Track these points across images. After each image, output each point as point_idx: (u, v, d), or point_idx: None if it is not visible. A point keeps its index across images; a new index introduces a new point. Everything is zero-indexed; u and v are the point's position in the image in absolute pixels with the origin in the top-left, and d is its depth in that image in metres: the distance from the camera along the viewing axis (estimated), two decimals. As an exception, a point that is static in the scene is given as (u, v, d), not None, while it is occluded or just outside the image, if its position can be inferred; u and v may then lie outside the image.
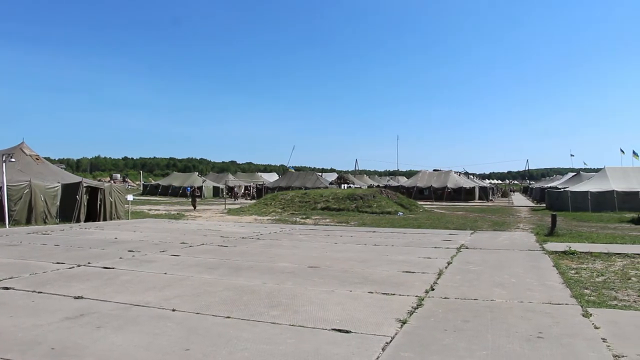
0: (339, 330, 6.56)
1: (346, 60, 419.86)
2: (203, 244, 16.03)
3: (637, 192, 38.00)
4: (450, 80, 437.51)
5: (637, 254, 14.20)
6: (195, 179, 77.09)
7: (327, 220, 28.11)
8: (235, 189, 75.15)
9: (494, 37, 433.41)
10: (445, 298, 8.70)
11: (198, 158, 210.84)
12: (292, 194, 39.72)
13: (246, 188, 77.03)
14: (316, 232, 20.61)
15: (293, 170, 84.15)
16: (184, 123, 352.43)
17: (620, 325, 7.05)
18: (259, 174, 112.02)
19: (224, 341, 6.09)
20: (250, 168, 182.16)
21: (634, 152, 60.80)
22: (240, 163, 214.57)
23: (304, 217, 30.06)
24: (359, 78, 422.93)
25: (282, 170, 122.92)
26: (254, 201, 44.27)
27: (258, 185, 75.55)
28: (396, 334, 6.49)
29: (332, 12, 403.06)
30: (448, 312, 7.67)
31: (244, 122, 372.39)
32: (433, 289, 9.38)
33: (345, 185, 74.01)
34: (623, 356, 5.71)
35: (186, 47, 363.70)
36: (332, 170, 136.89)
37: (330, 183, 74.35)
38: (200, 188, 65.85)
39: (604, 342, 6.23)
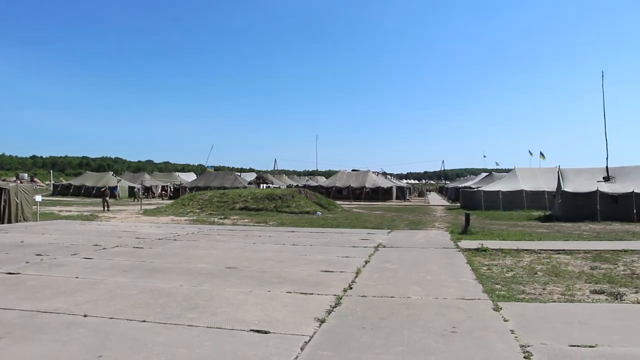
0: (258, 331, 6.53)
1: (266, 58, 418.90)
2: (117, 246, 15.50)
3: (544, 191, 39.92)
4: (369, 80, 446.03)
5: (543, 250, 14.99)
6: (109, 179, 74.27)
7: (246, 220, 27.90)
8: (152, 189, 73.26)
9: (414, 38, 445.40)
10: (363, 296, 8.83)
11: (113, 157, 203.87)
12: (210, 194, 39.12)
13: (163, 188, 75.18)
14: (234, 233, 20.41)
15: (212, 170, 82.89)
16: (98, 121, 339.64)
17: (527, 318, 7.43)
18: (177, 173, 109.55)
19: (140, 346, 5.92)
20: (167, 168, 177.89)
21: (541, 154, 64.35)
22: (157, 162, 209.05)
23: (223, 217, 29.69)
24: (278, 77, 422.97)
25: (200, 170, 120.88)
26: (171, 201, 43.26)
27: (175, 185, 73.87)
28: (315, 333, 6.53)
29: (252, 10, 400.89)
30: (366, 310, 7.80)
31: (161, 121, 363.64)
32: (351, 288, 9.51)
33: (264, 185, 73.69)
34: (529, 346, 6.03)
35: (100, 44, 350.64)
36: (251, 170, 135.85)
37: (249, 183, 73.79)
38: (114, 188, 63.62)
39: (512, 333, 6.56)
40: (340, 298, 8.60)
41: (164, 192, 72.57)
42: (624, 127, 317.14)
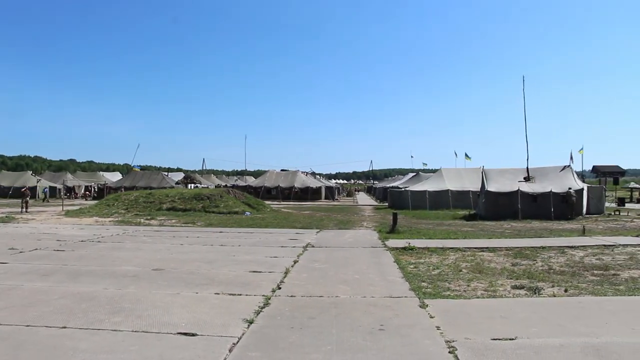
0: (185, 334, 6.43)
1: (195, 58, 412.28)
2: (36, 249, 14.83)
3: (469, 191, 41.10)
4: (298, 81, 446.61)
5: (468, 248, 15.50)
6: (28, 178, 70.99)
7: (173, 221, 27.34)
8: (74, 189, 70.58)
9: (347, 42, 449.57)
10: (291, 296, 8.85)
11: (31, 155, 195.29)
12: (136, 194, 38.05)
13: (87, 188, 72.52)
14: (161, 234, 19.99)
15: (138, 170, 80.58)
16: (15, 117, 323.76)
17: (452, 314, 7.67)
18: (101, 173, 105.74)
19: (59, 354, 5.70)
20: (91, 167, 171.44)
21: (466, 155, 66.60)
22: (81, 162, 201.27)
23: (149, 218, 28.98)
24: (207, 77, 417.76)
25: (126, 169, 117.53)
26: (95, 202, 41.80)
27: (100, 185, 71.40)
28: (243, 334, 6.49)
29: (184, 9, 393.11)
30: (294, 310, 7.82)
31: (85, 119, 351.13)
32: (280, 288, 9.51)
33: (192, 185, 72.53)
34: (454, 341, 6.22)
35: (19, 40, 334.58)
36: (178, 170, 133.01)
37: (177, 183, 72.29)
38: (34, 188, 60.84)
39: (438, 329, 6.75)
40: (269, 298, 8.59)
41: (87, 193, 70.03)
42: (544, 129, 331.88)
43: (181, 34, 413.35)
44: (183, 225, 24.96)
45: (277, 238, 18.59)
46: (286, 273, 11.13)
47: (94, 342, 6.09)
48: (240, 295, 8.88)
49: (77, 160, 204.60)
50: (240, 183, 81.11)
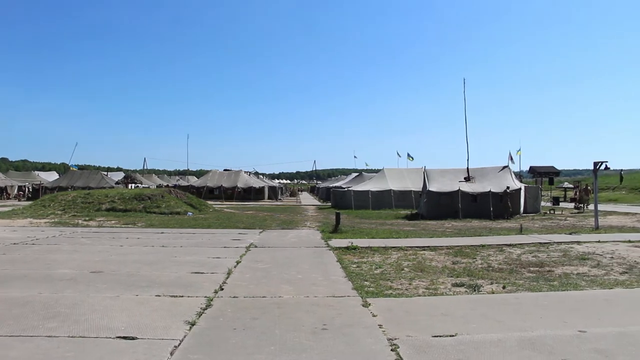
0: (125, 338, 6.27)
1: (134, 53, 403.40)
2: (-35, 253, 14.18)
3: (411, 191, 41.77)
4: (240, 80, 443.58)
5: (410, 247, 15.75)
6: (-46, 178, 67.95)
7: (113, 221, 26.66)
8: (6, 189, 67.90)
9: (284, 38, 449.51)
10: (234, 297, 8.78)
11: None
12: (74, 195, 36.88)
13: (20, 188, 69.88)
14: (100, 235, 19.45)
15: (76, 169, 78.15)
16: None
17: (394, 312, 7.78)
18: (36, 172, 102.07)
19: (-10, 361, 5.46)
20: (25, 166, 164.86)
21: (408, 155, 67.44)
22: (13, 160, 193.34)
23: (87, 219, 28.16)
24: (146, 75, 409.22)
25: (63, 169, 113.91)
26: (29, 203, 40.30)
27: (35, 185, 68.92)
28: (185, 336, 6.39)
29: (114, 5, 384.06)
30: (237, 311, 7.76)
31: (18, 115, 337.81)
32: (222, 289, 9.42)
33: (133, 185, 70.96)
34: (396, 339, 6.32)
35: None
36: (118, 170, 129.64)
37: (117, 183, 70.54)
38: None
39: (380, 328, 6.84)
40: (212, 300, 8.49)
41: (20, 193, 67.53)
42: (484, 130, 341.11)
43: (118, 30, 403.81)
44: (123, 226, 24.36)
45: (219, 238, 18.39)
46: (229, 274, 11.03)
47: (26, 350, 5.85)
48: (182, 297, 8.74)
49: (10, 159, 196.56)
50: (183, 183, 79.99)
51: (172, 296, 8.78)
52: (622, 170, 49.22)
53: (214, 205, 43.94)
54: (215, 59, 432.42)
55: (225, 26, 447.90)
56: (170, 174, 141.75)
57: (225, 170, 74.40)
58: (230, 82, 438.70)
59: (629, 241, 17.05)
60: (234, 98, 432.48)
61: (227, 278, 10.53)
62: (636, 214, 32.37)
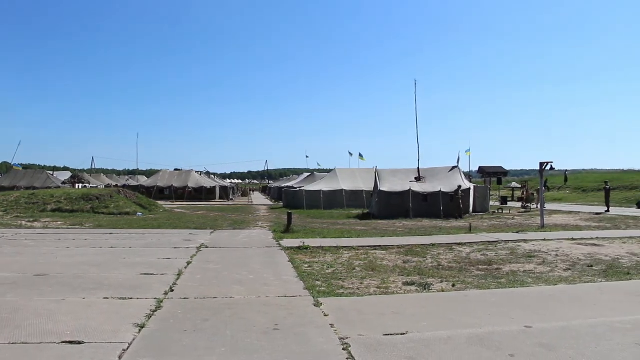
0: (71, 342, 6.10)
1: (85, 52, 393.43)
2: None
3: (363, 190, 41.98)
4: (190, 80, 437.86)
5: (361, 247, 15.86)
6: None
7: (59, 222, 25.88)
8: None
9: (242, 39, 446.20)
10: (185, 298, 8.66)
11: None
12: (17, 195, 35.69)
13: (-42, 189, 67.34)
14: (45, 237, 18.86)
15: (19, 168, 75.76)
16: None
17: (346, 311, 7.82)
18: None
19: None
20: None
21: (360, 155, 67.87)
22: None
23: (32, 220, 27.26)
24: (98, 72, 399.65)
25: (5, 168, 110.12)
26: (-32, 204, 38.83)
27: (-26, 186, 66.60)
28: (134, 339, 6.27)
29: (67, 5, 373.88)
30: (188, 312, 7.65)
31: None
32: (173, 290, 9.28)
33: (80, 184, 69.21)
34: (347, 338, 6.36)
35: None
36: (65, 169, 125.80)
37: (63, 182, 68.72)
38: None
39: (332, 327, 6.87)
40: (162, 301, 8.35)
41: (-41, 193, 64.94)
42: (435, 131, 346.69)
43: (68, 27, 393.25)
44: (70, 227, 23.69)
45: (170, 239, 18.10)
46: (179, 275, 10.87)
47: (-34, 356, 5.63)
48: (131, 299, 8.57)
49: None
50: (132, 183, 78.32)
51: (120, 298, 8.59)
52: (566, 170, 50.83)
53: (165, 206, 43.25)
54: (170, 60, 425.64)
55: (170, 25, 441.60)
56: (119, 173, 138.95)
57: (176, 169, 73.41)
58: (181, 82, 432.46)
59: (572, 239, 17.65)
60: (185, 98, 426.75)
61: (177, 279, 10.38)
62: (579, 212, 33.53)
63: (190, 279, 10.45)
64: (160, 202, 45.01)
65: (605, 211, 32.81)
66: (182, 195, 62.39)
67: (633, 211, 33.89)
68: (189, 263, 12.52)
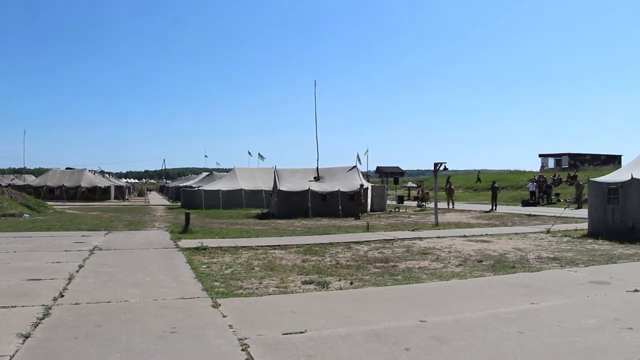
0: (-57, 358, 5.61)
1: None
2: None
3: (262, 190, 41.94)
4: (84, 76, 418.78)
5: (260, 246, 15.82)
6: None
7: None
8: None
9: (127, 33, 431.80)
10: (76, 304, 8.23)
11: None
12: None
13: None
14: None
15: None
16: None
17: (245, 312, 7.77)
18: None
19: None
20: None
21: (259, 155, 67.53)
22: None
23: None
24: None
25: None
26: None
27: None
28: (17, 351, 5.85)
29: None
30: (79, 318, 7.28)
31: None
32: (63, 296, 8.79)
33: (-41, 184, 64.41)
34: (246, 338, 6.30)
35: None
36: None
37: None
38: None
39: (230, 328, 6.79)
40: (50, 308, 7.87)
41: None
42: (334, 131, 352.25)
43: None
44: (-55, 230, 21.92)
45: (60, 242, 17.17)
46: (70, 279, 10.32)
47: None
48: (15, 307, 8.00)
49: None
50: (18, 182, 73.63)
51: (2, 307, 7.99)
52: (479, 171, 53.01)
53: (55, 206, 41.00)
54: (62, 53, 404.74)
55: (71, 19, 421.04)
56: (3, 172, 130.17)
57: (67, 168, 70.09)
58: (76, 77, 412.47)
59: (464, 236, 18.52)
60: (78, 93, 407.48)
61: (68, 284, 9.85)
62: (470, 210, 35.24)
63: (83, 283, 9.96)
64: (50, 203, 42.65)
65: (492, 209, 34.68)
66: (75, 195, 59.62)
67: (518, 209, 36.03)
68: (81, 266, 11.93)
